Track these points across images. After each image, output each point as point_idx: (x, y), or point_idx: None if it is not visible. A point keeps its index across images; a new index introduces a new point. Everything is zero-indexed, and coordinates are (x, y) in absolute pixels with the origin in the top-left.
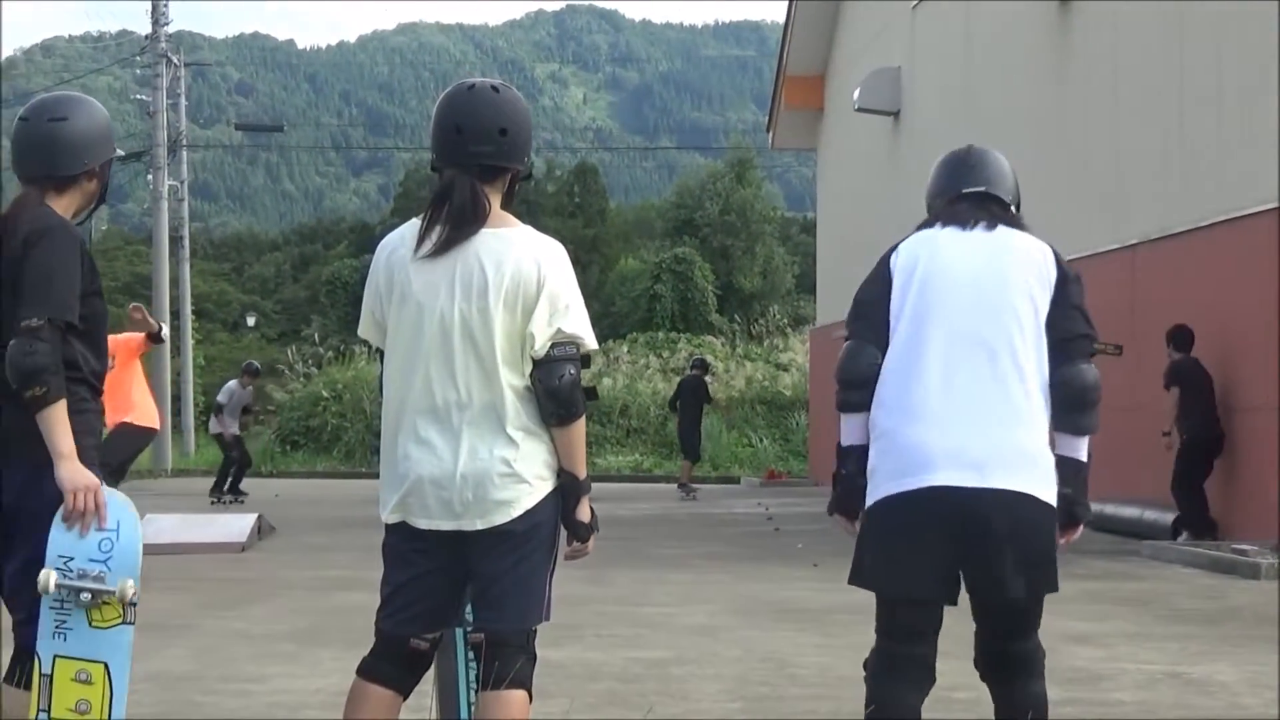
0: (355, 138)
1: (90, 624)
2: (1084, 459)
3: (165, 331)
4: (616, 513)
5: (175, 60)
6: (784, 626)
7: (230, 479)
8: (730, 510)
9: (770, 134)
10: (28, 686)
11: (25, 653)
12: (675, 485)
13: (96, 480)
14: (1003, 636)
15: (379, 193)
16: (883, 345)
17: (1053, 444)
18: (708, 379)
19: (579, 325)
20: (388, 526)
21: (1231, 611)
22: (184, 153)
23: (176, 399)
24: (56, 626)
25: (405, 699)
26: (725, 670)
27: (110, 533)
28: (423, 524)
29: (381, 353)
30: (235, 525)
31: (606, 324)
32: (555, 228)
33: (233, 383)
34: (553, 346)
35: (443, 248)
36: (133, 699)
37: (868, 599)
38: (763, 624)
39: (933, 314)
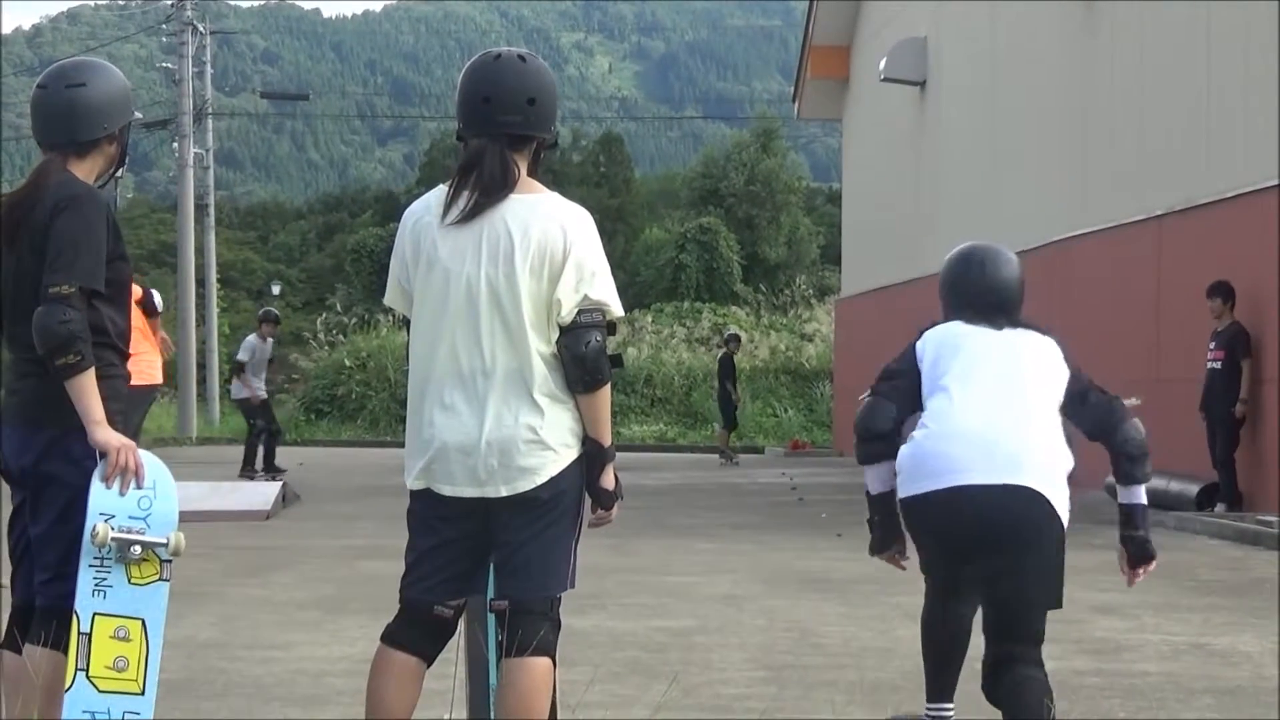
0: (380, 106)
1: (129, 581)
2: (1146, 503)
3: (158, 299)
4: (641, 482)
5: (201, 28)
6: (808, 596)
7: (264, 451)
8: (754, 480)
9: (796, 104)
10: (53, 645)
11: (48, 612)
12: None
13: (131, 441)
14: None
15: (404, 162)
16: (903, 406)
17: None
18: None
19: (605, 292)
20: (412, 493)
21: (1256, 583)
22: (209, 121)
23: (201, 367)
24: (96, 584)
25: (429, 665)
26: (749, 639)
27: (148, 491)
28: (447, 491)
29: (408, 321)
30: (260, 493)
31: (631, 294)
32: (580, 197)
33: (251, 337)
34: (579, 313)
35: (470, 214)
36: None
37: (891, 570)
38: (787, 593)
39: (975, 373)
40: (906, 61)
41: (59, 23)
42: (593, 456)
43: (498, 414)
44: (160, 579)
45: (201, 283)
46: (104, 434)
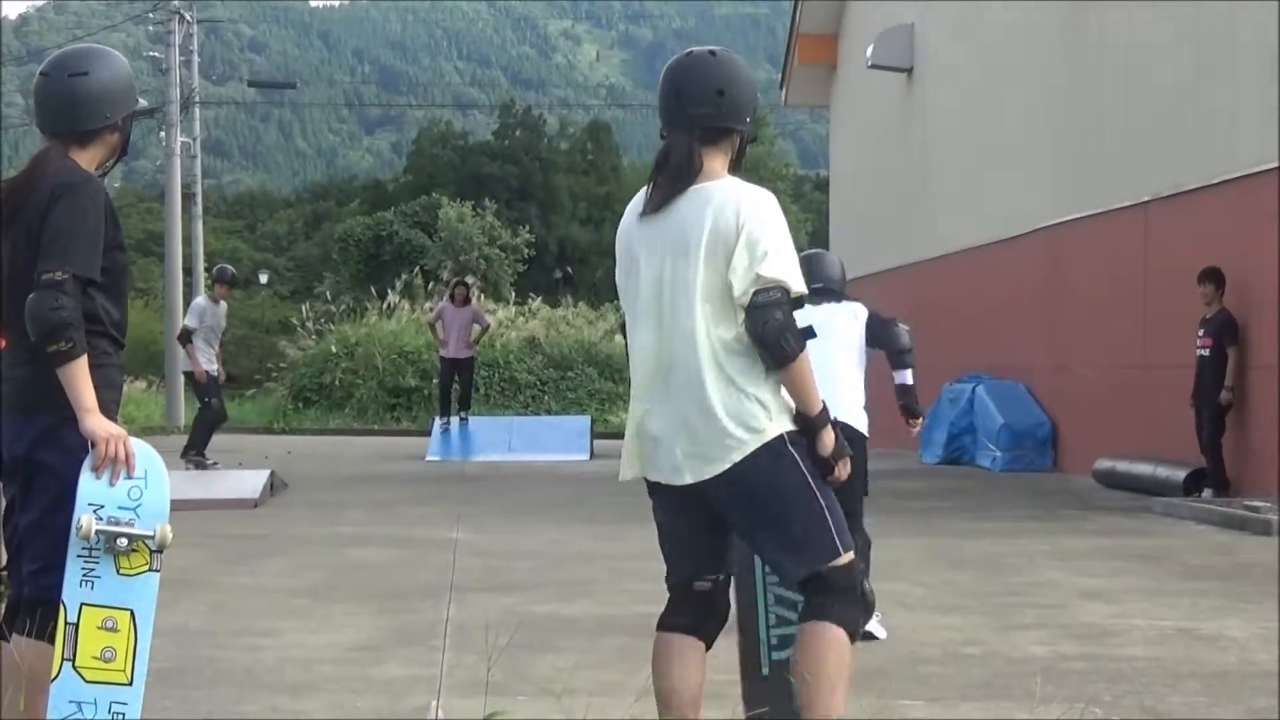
0: (368, 95)
1: (118, 571)
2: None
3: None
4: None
5: (188, 17)
6: None
7: (198, 433)
8: None
9: (783, 91)
10: (38, 636)
11: (35, 602)
12: None
13: (122, 430)
14: None
15: (392, 150)
16: None
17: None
18: None
19: (781, 269)
20: (649, 487)
21: (1243, 568)
22: (196, 110)
23: None
24: (84, 575)
25: (708, 647)
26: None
27: (139, 481)
28: (655, 478)
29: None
30: (248, 482)
31: None
32: (568, 185)
33: (200, 299)
34: (755, 293)
35: (658, 207)
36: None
37: (877, 555)
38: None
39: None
40: (894, 48)
41: (45, 12)
42: (804, 426)
43: (688, 401)
44: (150, 569)
45: (189, 272)
46: (94, 422)
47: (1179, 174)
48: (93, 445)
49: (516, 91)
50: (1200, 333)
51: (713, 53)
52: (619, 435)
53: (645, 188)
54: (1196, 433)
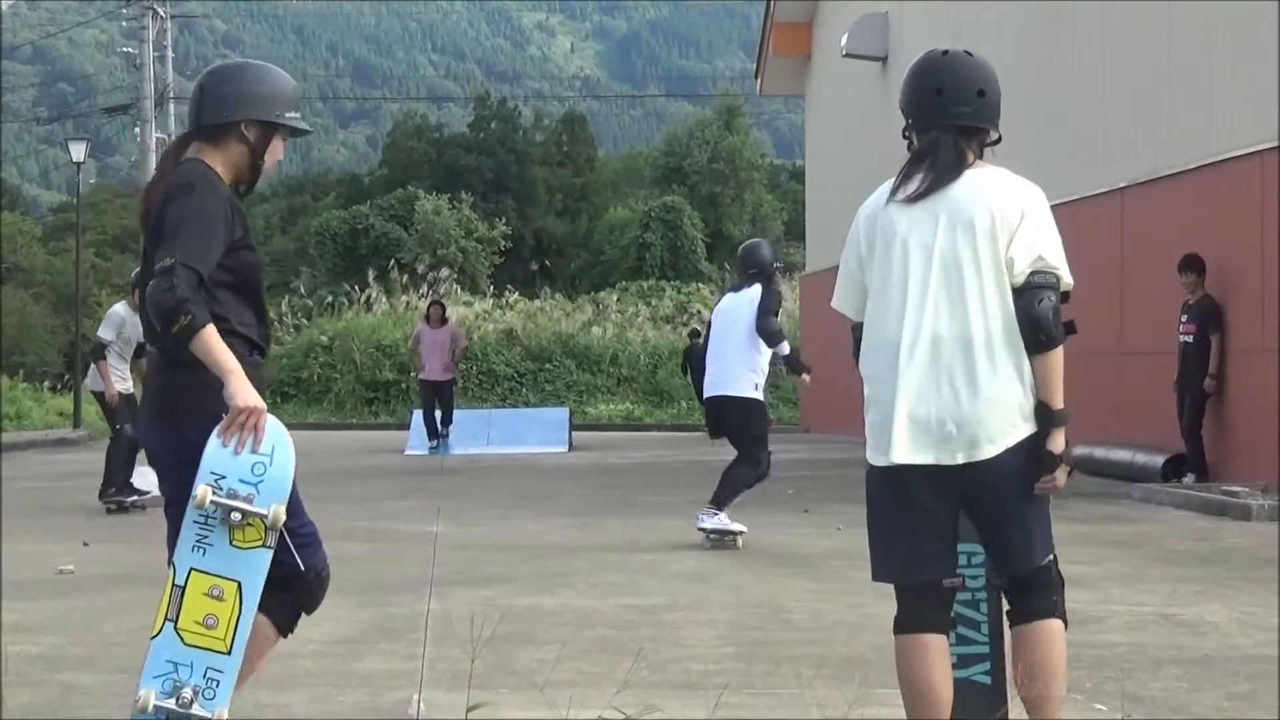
0: (342, 89)
1: (231, 542)
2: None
3: None
4: (607, 461)
5: (161, 12)
6: (776, 572)
7: (121, 466)
8: (721, 457)
9: (758, 81)
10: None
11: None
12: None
13: (263, 402)
14: None
15: (367, 144)
16: None
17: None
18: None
19: (1058, 260)
20: (877, 472)
21: (1223, 553)
22: (171, 105)
23: None
24: (197, 540)
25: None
26: (718, 615)
27: (264, 457)
28: (911, 460)
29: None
30: None
31: (596, 273)
32: (543, 177)
33: (119, 307)
34: (1032, 274)
35: (926, 192)
36: (125, 650)
37: (860, 545)
38: (755, 569)
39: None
40: (868, 37)
41: (18, 7)
42: (1042, 418)
43: (959, 380)
44: (263, 545)
45: None
46: (237, 385)
47: (1155, 160)
48: (228, 409)
49: (491, 84)
50: (1183, 319)
51: (969, 53)
52: (597, 427)
53: (898, 177)
54: (1178, 418)
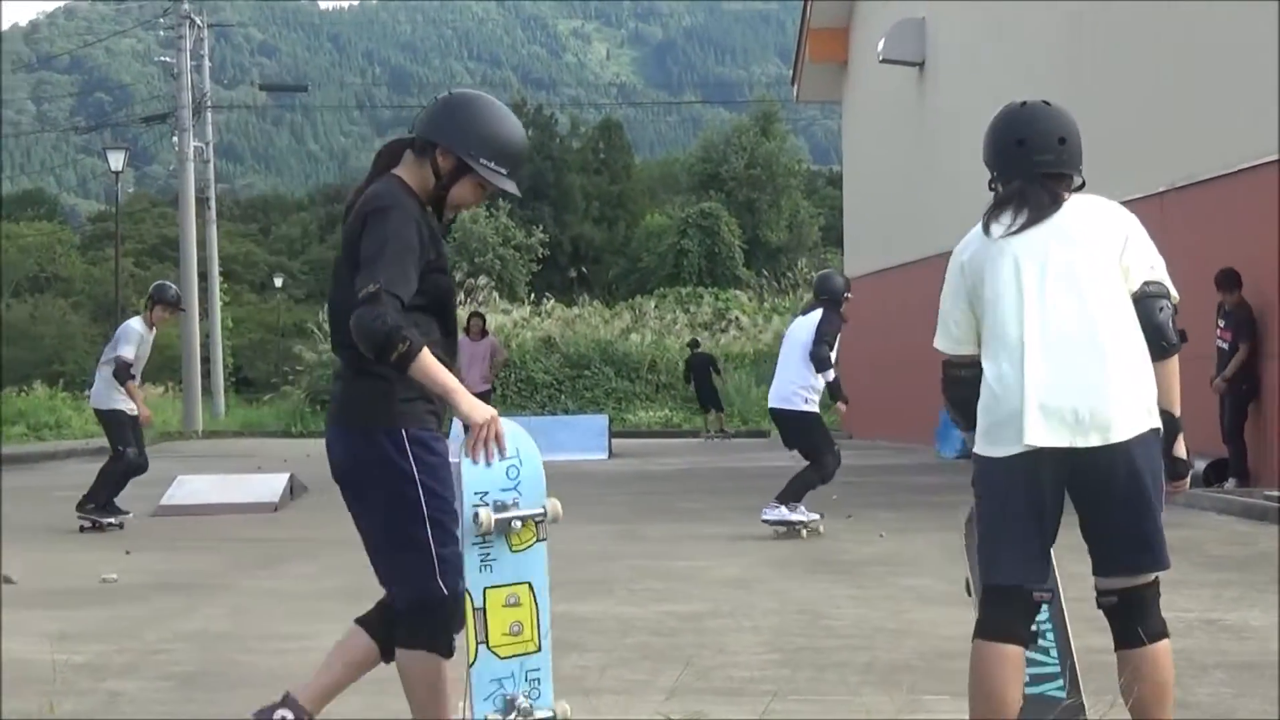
0: (379, 96)
1: (511, 550)
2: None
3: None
4: (647, 468)
5: (198, 21)
6: (819, 578)
7: (114, 481)
8: (760, 463)
9: (795, 87)
10: (415, 646)
11: (401, 614)
12: (704, 436)
13: (493, 411)
14: None
15: None
16: None
17: None
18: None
19: (1165, 276)
20: (999, 465)
21: (1264, 557)
22: (208, 114)
23: (205, 361)
24: (482, 560)
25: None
26: (761, 622)
27: (513, 459)
28: (1045, 442)
29: None
30: (268, 485)
31: (633, 280)
32: (580, 184)
33: (135, 323)
34: (1146, 284)
35: (1026, 225)
36: (171, 658)
37: (901, 550)
38: (797, 576)
39: None
40: (905, 42)
41: (55, 18)
42: (1168, 425)
43: (1093, 373)
44: (538, 539)
45: (204, 276)
46: (466, 404)
47: (1193, 163)
48: (466, 430)
49: (527, 91)
50: (1220, 324)
51: (1047, 103)
52: (636, 434)
53: (986, 218)
54: (1220, 422)
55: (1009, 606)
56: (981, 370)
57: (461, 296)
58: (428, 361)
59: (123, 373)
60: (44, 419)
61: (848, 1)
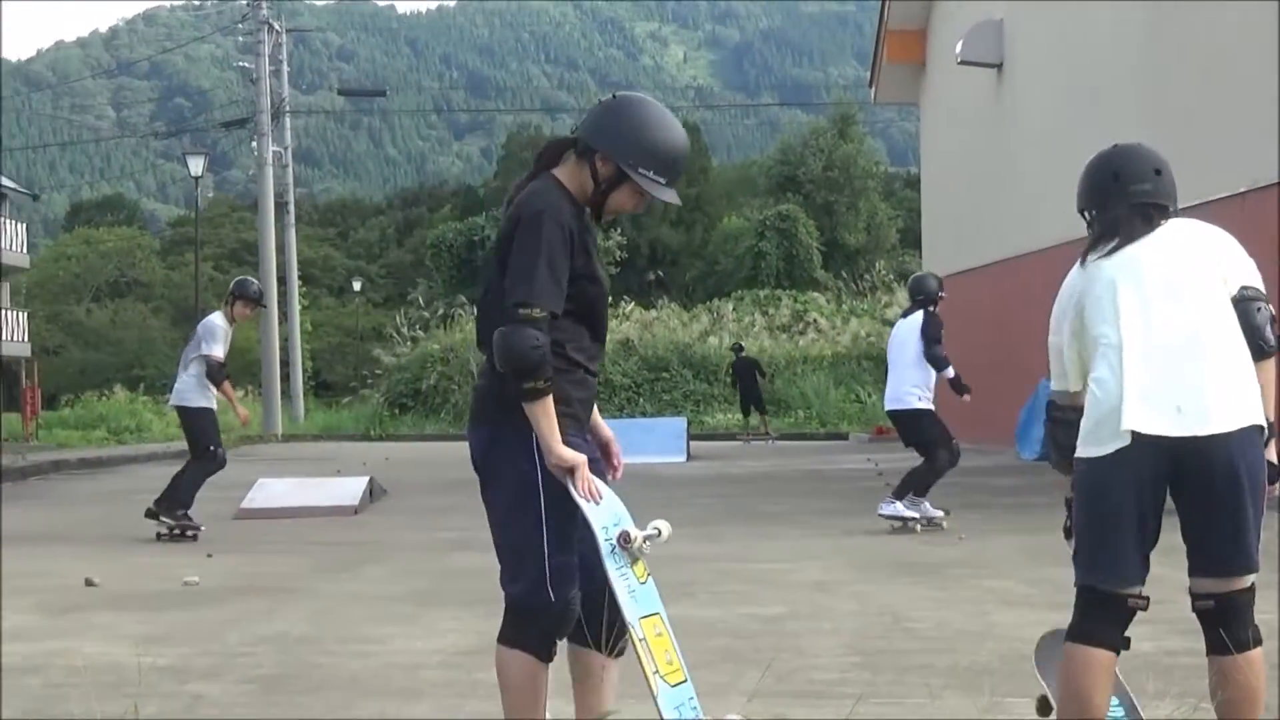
0: (457, 100)
1: (639, 581)
2: None
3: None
4: (727, 470)
5: (276, 27)
6: (898, 580)
7: (185, 483)
8: (839, 466)
9: (872, 89)
10: (509, 643)
11: (509, 609)
12: (745, 439)
13: (582, 457)
14: None
15: (482, 155)
16: None
17: None
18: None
19: (1261, 284)
20: (1100, 463)
21: None
22: (287, 119)
23: (285, 365)
24: (630, 591)
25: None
26: (841, 625)
27: (605, 496)
28: (1145, 428)
29: None
30: (348, 489)
31: (711, 283)
32: None
33: (216, 318)
34: (1244, 287)
35: (1124, 244)
36: (252, 661)
37: (980, 553)
38: (877, 578)
39: None
40: (983, 44)
41: (135, 24)
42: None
43: (1186, 368)
44: (648, 574)
45: (283, 280)
46: (561, 453)
47: (1274, 163)
48: (565, 475)
49: (604, 94)
50: None
51: (1139, 144)
52: (714, 437)
53: (1086, 249)
54: None
55: (1104, 611)
56: (1082, 408)
57: None
58: (548, 409)
59: (216, 371)
60: (125, 423)
61: (926, 2)
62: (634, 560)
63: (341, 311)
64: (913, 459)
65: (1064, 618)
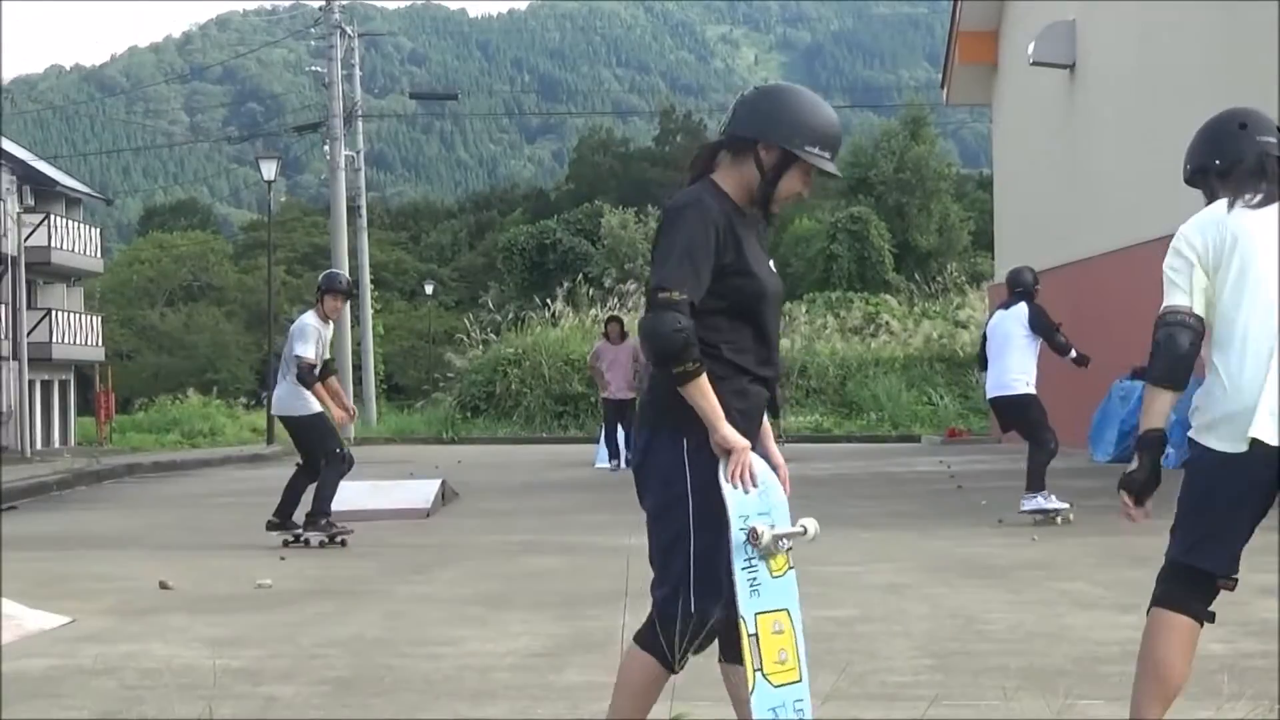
0: (528, 104)
1: (771, 575)
2: None
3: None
4: (801, 472)
5: (348, 31)
6: (971, 583)
7: (320, 491)
8: (912, 468)
9: (944, 90)
10: (651, 650)
11: (654, 617)
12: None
13: (746, 443)
14: None
15: (553, 158)
16: None
17: None
18: None
19: None
20: (1222, 459)
21: None
22: (359, 123)
23: (357, 368)
24: (750, 584)
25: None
26: (914, 627)
27: (761, 487)
28: (1269, 438)
29: None
30: (420, 492)
31: (784, 286)
32: None
33: (309, 318)
34: None
35: (1264, 202)
36: (325, 663)
37: (1053, 555)
38: (949, 581)
39: None
40: (1055, 44)
41: (208, 29)
42: None
43: None
44: (790, 568)
45: (355, 284)
46: (723, 433)
47: None
48: (725, 455)
49: (676, 97)
50: None
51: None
52: (793, 439)
53: (1232, 192)
54: None
55: (1193, 585)
56: (1202, 330)
57: (612, 302)
58: (704, 386)
59: (306, 374)
60: (198, 426)
61: (997, 3)
62: (770, 555)
63: (413, 315)
64: (982, 460)
65: (1137, 619)
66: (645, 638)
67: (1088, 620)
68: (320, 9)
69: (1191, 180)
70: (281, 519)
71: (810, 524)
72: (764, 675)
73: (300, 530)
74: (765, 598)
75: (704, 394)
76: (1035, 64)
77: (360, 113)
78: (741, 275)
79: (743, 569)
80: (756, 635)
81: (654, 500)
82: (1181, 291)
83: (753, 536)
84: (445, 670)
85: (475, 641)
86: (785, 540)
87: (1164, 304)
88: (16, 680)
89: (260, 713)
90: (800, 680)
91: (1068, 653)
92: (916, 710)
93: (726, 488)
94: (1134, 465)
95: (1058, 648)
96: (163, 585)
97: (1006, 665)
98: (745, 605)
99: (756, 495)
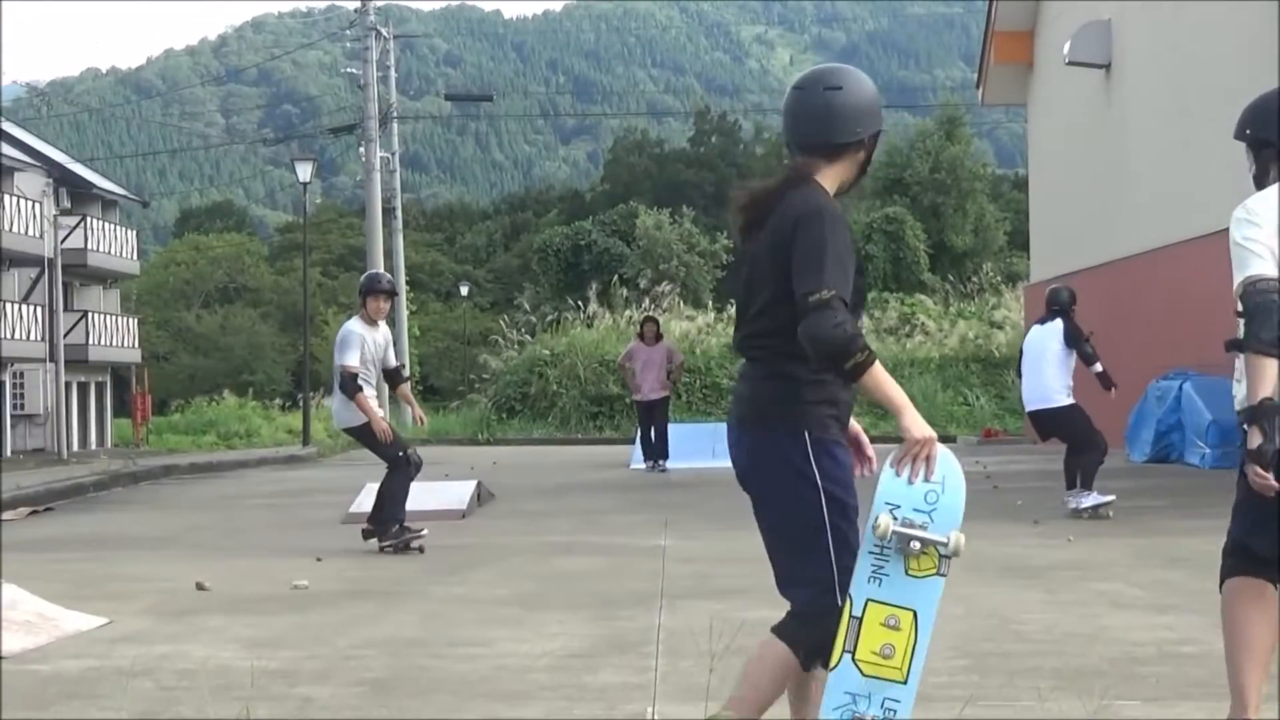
0: (563, 105)
1: (906, 572)
2: None
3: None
4: None
5: (384, 33)
6: (1006, 583)
7: (389, 497)
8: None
9: (979, 90)
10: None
11: (794, 618)
12: None
13: (933, 433)
14: None
15: (588, 160)
16: None
17: None
18: None
19: None
20: None
21: None
22: (394, 125)
23: None
24: (874, 571)
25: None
26: (948, 627)
27: (936, 485)
28: None
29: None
30: (455, 493)
31: None
32: None
33: (354, 324)
34: None
35: None
36: (362, 664)
37: (1089, 556)
38: (984, 581)
39: None
40: (1091, 44)
41: (244, 31)
42: None
43: None
44: (937, 573)
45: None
46: (909, 419)
47: None
48: (911, 443)
49: (711, 98)
50: None
51: None
52: None
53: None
54: None
55: (1258, 562)
56: None
57: (647, 303)
58: (880, 373)
59: (349, 383)
60: (234, 428)
61: (1033, 3)
62: (903, 552)
63: (449, 316)
64: (1018, 460)
65: (1175, 620)
66: (788, 631)
67: (1124, 621)
68: (355, 11)
69: (1248, 143)
70: (375, 524)
71: (955, 536)
72: (853, 659)
73: (410, 527)
74: (888, 590)
75: (882, 382)
76: (1071, 64)
77: (395, 114)
78: (859, 274)
79: (870, 553)
80: (860, 619)
81: (784, 502)
82: (1262, 260)
83: (874, 525)
84: (481, 671)
85: (510, 642)
86: (916, 543)
87: (1246, 274)
88: (54, 681)
89: (296, 713)
90: (905, 683)
91: (1104, 653)
92: (951, 710)
93: (888, 472)
94: (1259, 439)
95: (1094, 648)
96: (199, 586)
97: (1042, 666)
98: (859, 588)
99: (923, 490)
